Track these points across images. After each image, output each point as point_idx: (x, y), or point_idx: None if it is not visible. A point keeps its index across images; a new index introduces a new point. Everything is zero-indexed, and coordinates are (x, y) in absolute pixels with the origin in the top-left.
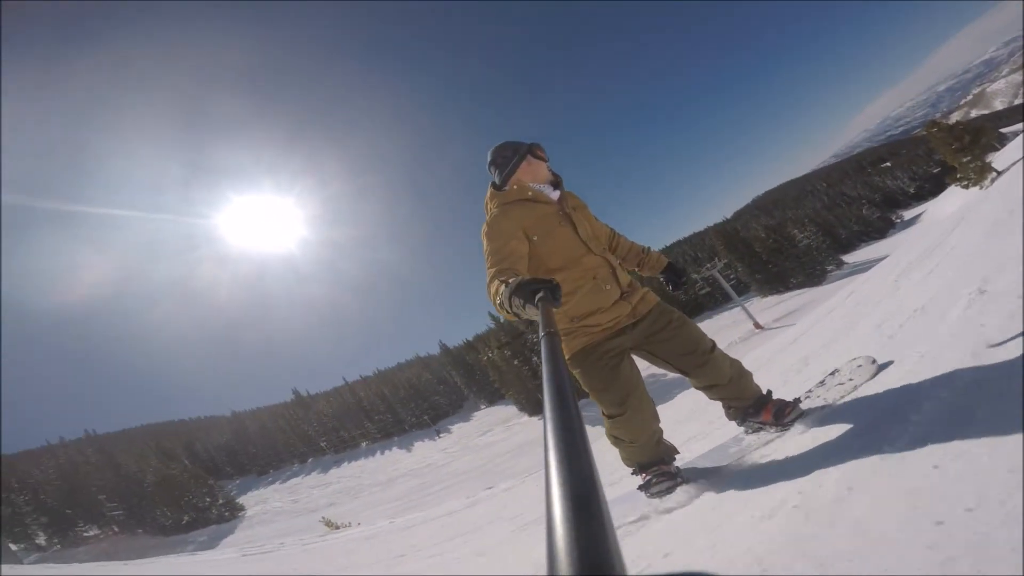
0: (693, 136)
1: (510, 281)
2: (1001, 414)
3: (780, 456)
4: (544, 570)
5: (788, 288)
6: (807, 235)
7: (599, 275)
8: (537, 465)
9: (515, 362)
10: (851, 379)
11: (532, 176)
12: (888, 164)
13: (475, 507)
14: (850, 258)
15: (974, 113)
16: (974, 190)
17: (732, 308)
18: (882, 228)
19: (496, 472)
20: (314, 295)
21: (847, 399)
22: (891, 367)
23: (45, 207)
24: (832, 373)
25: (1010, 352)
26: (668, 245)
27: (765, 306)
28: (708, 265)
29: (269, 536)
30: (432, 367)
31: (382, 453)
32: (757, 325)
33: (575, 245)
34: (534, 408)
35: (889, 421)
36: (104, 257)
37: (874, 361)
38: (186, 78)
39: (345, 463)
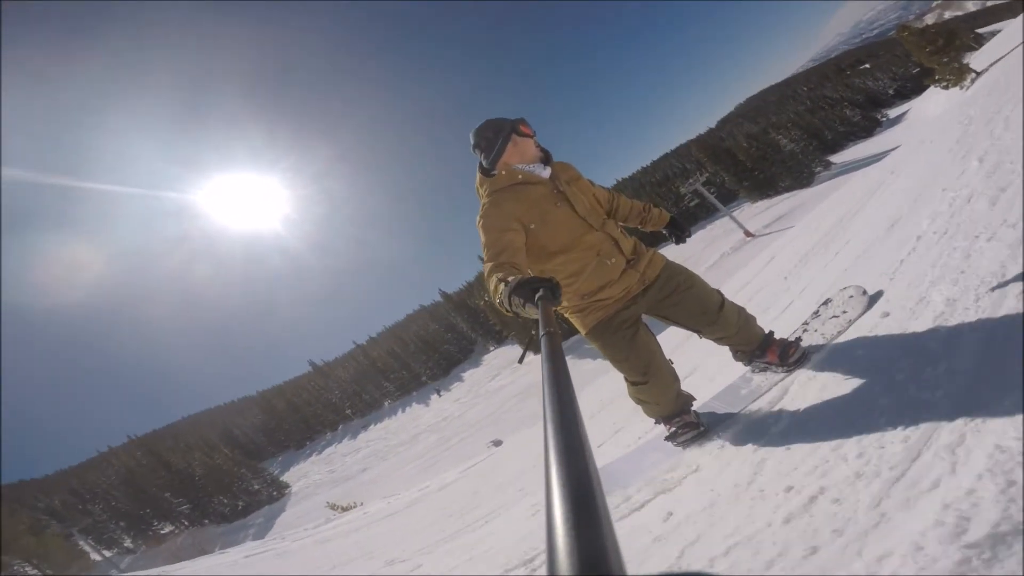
0: (668, 47)
1: (509, 280)
2: (982, 374)
3: (790, 407)
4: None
5: (778, 192)
6: (791, 139)
7: (602, 251)
8: (540, 409)
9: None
10: (845, 312)
11: (520, 156)
12: (867, 66)
13: (415, 505)
14: (838, 158)
15: (947, 15)
16: (954, 91)
17: (725, 217)
18: (868, 127)
19: (505, 419)
20: (310, 264)
21: (845, 337)
22: (882, 300)
23: (41, 181)
24: (825, 303)
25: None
26: (656, 159)
27: (756, 211)
28: (690, 180)
29: (311, 511)
30: (438, 316)
31: (403, 411)
32: (747, 233)
33: (574, 225)
34: (538, 346)
35: (883, 371)
36: (95, 244)
37: (864, 292)
38: (174, 53)
39: (372, 425)
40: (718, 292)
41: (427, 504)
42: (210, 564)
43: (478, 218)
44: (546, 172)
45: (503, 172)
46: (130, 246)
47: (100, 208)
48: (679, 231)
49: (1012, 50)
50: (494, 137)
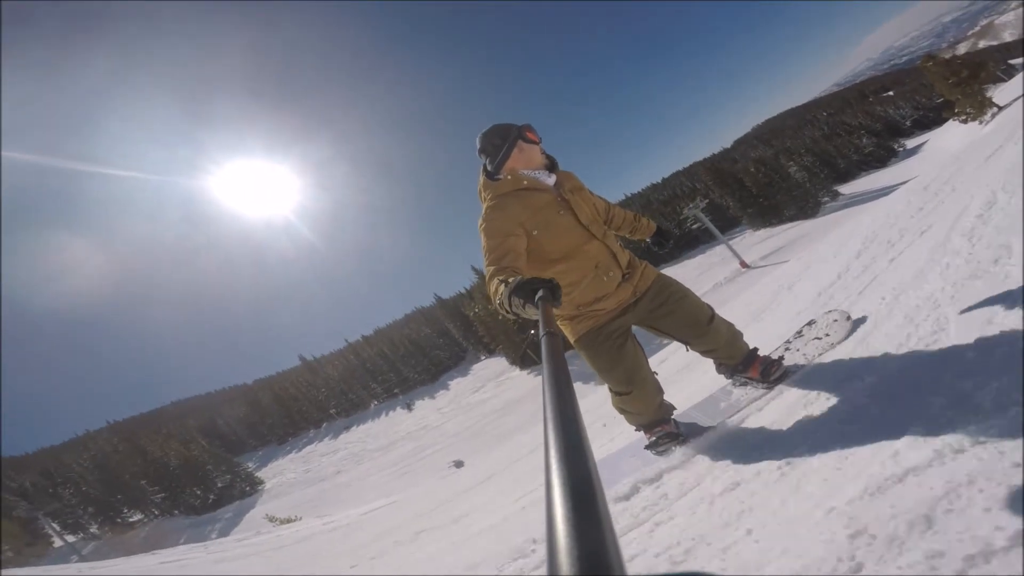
0: (693, 64)
1: (510, 281)
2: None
3: (766, 423)
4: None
5: (782, 221)
6: (802, 166)
7: (601, 263)
8: (518, 425)
9: (499, 317)
10: (827, 334)
11: (525, 162)
12: (891, 93)
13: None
14: (848, 188)
15: (982, 44)
16: (973, 125)
17: (723, 244)
18: (883, 157)
19: (483, 433)
20: (312, 257)
21: (824, 359)
22: (865, 325)
23: (37, 162)
24: (809, 324)
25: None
26: (667, 176)
27: (756, 240)
28: (691, 205)
29: (273, 512)
30: (433, 321)
31: (387, 414)
32: (743, 264)
33: (576, 233)
34: (523, 362)
35: (855, 396)
36: (91, 229)
37: (848, 316)
38: (188, 46)
39: (354, 427)
40: (709, 306)
41: (313, 544)
42: (132, 564)
43: (480, 221)
44: (551, 179)
45: (508, 177)
46: (130, 231)
47: (99, 192)
48: (663, 239)
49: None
50: (500, 142)
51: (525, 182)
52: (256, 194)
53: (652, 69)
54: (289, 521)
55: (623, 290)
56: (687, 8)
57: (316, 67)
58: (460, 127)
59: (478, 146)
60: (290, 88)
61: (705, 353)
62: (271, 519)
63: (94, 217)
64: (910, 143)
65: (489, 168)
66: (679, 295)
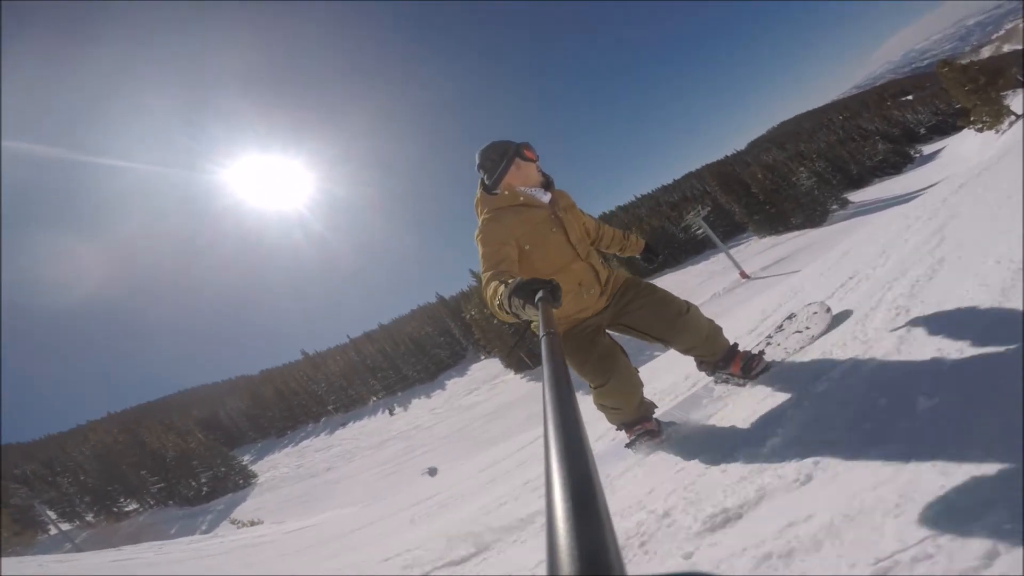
0: (712, 64)
1: (509, 282)
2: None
3: (747, 418)
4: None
5: (788, 229)
6: (813, 171)
7: (584, 281)
8: (504, 430)
9: (494, 321)
10: (808, 327)
11: (522, 179)
12: (910, 97)
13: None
14: (859, 196)
15: (1006, 48)
16: (989, 134)
17: (730, 250)
18: (897, 163)
19: (469, 437)
20: (320, 251)
21: (804, 353)
22: (847, 319)
23: (48, 155)
24: (789, 318)
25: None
26: (678, 178)
27: (761, 249)
28: (692, 213)
29: (264, 505)
30: (435, 319)
31: (382, 412)
32: (743, 274)
33: (566, 252)
34: (518, 365)
35: (838, 389)
36: (109, 224)
37: (828, 309)
38: (196, 39)
39: (351, 423)
40: (685, 301)
41: (231, 557)
42: (83, 564)
43: (476, 232)
44: (546, 197)
45: (506, 192)
46: (142, 223)
47: (110, 184)
48: (652, 255)
49: None
50: (499, 159)
51: (522, 198)
52: (270, 188)
53: (670, 69)
54: (252, 524)
55: (600, 302)
56: (706, 7)
57: (332, 64)
58: (471, 126)
59: (476, 161)
60: (306, 84)
61: (685, 351)
62: (233, 522)
63: (103, 209)
64: (928, 149)
65: (487, 183)
66: (649, 289)
